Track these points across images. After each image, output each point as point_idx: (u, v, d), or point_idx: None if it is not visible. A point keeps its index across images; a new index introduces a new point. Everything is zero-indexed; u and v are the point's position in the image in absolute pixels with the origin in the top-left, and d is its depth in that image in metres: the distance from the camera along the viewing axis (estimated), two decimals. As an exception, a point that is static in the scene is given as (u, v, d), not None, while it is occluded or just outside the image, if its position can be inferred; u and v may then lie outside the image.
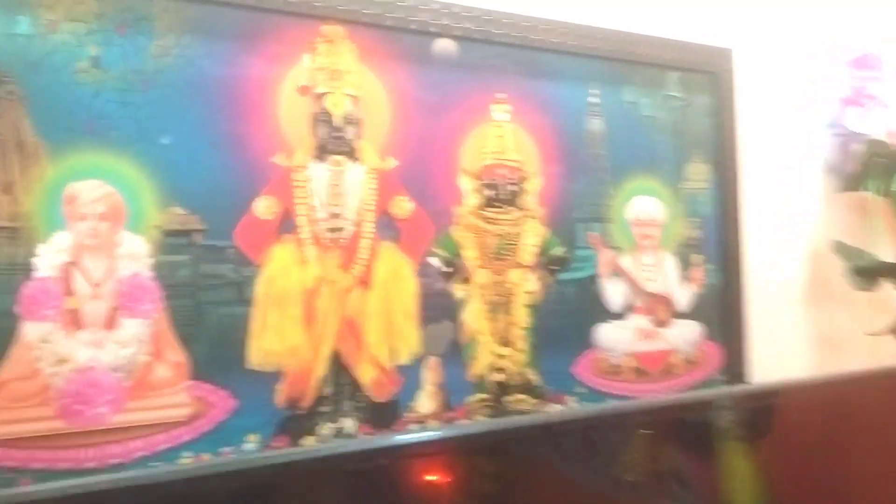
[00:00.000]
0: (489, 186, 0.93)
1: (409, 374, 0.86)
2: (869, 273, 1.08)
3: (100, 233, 0.72)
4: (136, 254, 0.73)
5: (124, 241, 0.73)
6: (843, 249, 1.13)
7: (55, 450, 0.70)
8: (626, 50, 1.02)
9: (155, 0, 0.75)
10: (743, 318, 1.08)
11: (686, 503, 1.00)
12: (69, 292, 0.70)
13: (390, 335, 0.85)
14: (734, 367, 1.08)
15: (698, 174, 1.08)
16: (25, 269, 0.69)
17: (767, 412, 1.06)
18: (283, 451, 0.77)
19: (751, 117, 1.14)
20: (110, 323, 0.72)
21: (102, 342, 0.71)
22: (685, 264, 1.06)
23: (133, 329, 0.72)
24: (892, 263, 1.08)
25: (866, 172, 1.12)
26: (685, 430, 1.01)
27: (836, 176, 1.18)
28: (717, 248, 1.08)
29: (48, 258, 0.70)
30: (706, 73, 1.08)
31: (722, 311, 1.08)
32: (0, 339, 0.68)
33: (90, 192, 0.72)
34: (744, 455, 1.03)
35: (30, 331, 0.69)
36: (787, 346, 1.14)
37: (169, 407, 0.74)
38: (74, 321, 0.70)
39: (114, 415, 0.72)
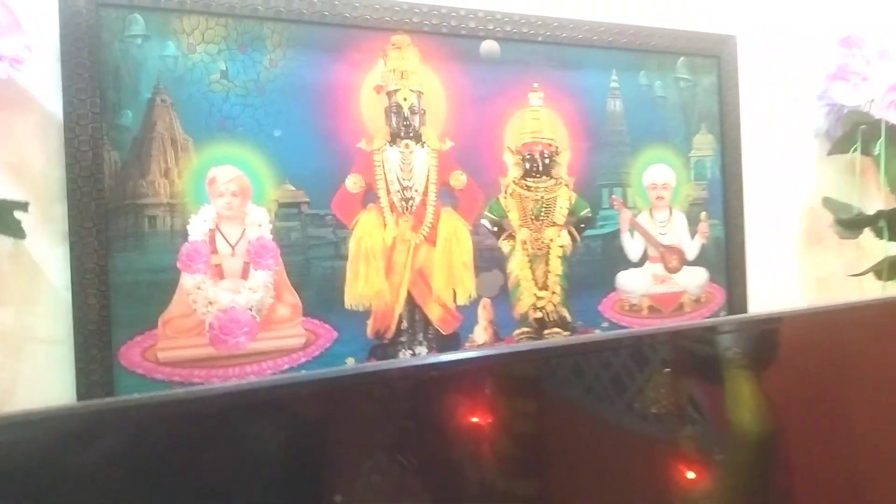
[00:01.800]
0: (528, 160, 1.13)
1: (467, 313, 1.09)
2: (853, 224, 1.27)
3: (233, 206, 0.94)
4: (260, 221, 0.96)
5: (251, 212, 0.95)
6: (831, 204, 1.31)
7: (208, 369, 0.93)
8: (641, 41, 1.20)
9: (266, 23, 0.97)
10: (744, 265, 1.28)
11: (698, 425, 1.20)
12: (214, 251, 0.93)
13: (452, 281, 1.07)
14: (736, 305, 1.28)
15: (705, 144, 1.27)
16: (183, 235, 0.92)
17: (769, 339, 1.25)
18: (371, 364, 1.00)
19: (751, 94, 1.32)
20: (244, 274, 0.95)
21: (239, 289, 0.94)
22: (693, 220, 1.26)
23: (261, 279, 0.95)
24: (872, 215, 1.27)
25: (851, 138, 1.30)
26: (695, 357, 1.21)
27: (826, 141, 1.36)
28: (721, 206, 1.28)
29: (198, 226, 0.93)
30: (712, 58, 1.27)
31: (725, 259, 1.28)
32: (165, 287, 0.91)
33: (225, 175, 0.94)
34: (748, 380, 1.23)
35: (186, 281, 0.92)
36: (782, 286, 1.34)
37: (289, 337, 0.97)
38: (218, 273, 0.93)
39: (249, 343, 0.95)
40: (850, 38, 1.29)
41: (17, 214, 0.83)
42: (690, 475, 1.13)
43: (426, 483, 0.84)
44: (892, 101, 1.23)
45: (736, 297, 1.28)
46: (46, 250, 0.87)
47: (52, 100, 0.86)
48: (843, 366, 1.27)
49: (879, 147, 1.25)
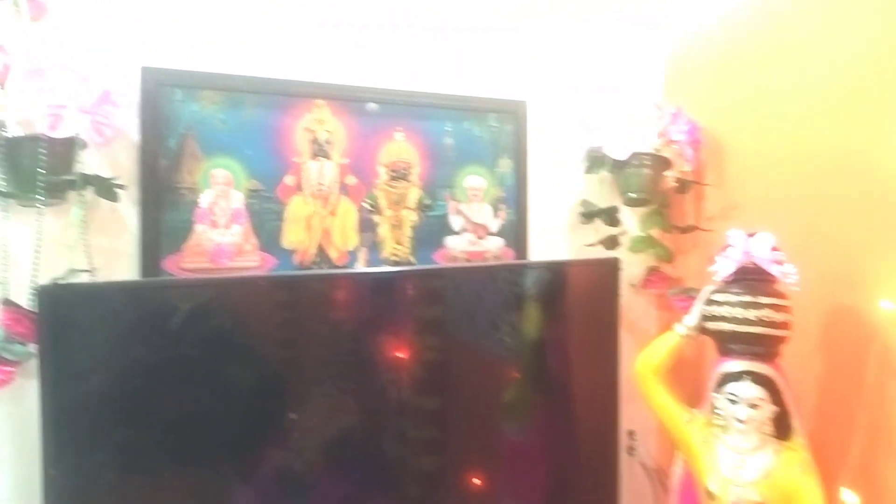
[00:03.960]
0: (392, 171, 1.98)
1: (353, 255, 1.93)
2: (588, 215, 2.15)
3: (224, 191, 1.78)
4: (238, 199, 1.80)
5: (233, 194, 1.79)
6: (584, 203, 2.18)
7: (207, 275, 1.77)
8: (466, 104, 2.06)
9: (245, 94, 1.80)
10: (525, 237, 2.15)
11: (504, 340, 2.02)
12: (212, 213, 1.77)
13: (344, 237, 1.92)
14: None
15: (505, 165, 2.13)
16: (196, 204, 1.76)
17: (551, 282, 2.09)
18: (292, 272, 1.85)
19: (536, 134, 2.17)
20: (227, 226, 1.78)
21: (225, 234, 1.78)
22: (496, 209, 2.11)
23: (237, 229, 1.79)
24: (599, 209, 2.14)
25: (598, 164, 2.16)
26: (502, 290, 2.05)
27: (585, 163, 2.22)
28: (514, 201, 2.14)
29: (204, 200, 1.76)
30: (511, 113, 2.12)
31: (515, 233, 2.14)
32: (186, 230, 1.75)
33: (219, 174, 1.78)
34: (537, 311, 2.07)
35: (197, 228, 1.75)
36: (554, 252, 2.20)
37: (251, 261, 1.81)
38: (214, 225, 1.77)
39: (229, 262, 1.79)
40: (598, 106, 2.15)
41: (116, 190, 1.66)
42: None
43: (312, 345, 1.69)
44: (616, 145, 2.10)
45: (520, 256, 2.15)
46: (129, 209, 1.70)
47: (134, 132, 1.70)
48: (565, 305, 2.13)
49: (606, 170, 2.12)
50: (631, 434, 2.25)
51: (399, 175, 1.99)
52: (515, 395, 1.98)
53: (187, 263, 1.75)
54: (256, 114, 1.81)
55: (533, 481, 2.04)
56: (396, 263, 1.98)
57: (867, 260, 1.69)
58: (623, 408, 2.07)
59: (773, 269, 1.64)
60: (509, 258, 2.14)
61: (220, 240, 1.78)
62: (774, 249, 1.66)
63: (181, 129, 1.73)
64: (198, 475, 1.60)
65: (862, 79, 1.71)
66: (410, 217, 2.00)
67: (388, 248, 1.98)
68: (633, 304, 2.28)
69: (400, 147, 1.99)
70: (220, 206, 1.78)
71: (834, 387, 1.78)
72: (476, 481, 1.92)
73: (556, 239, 2.22)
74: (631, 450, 2.27)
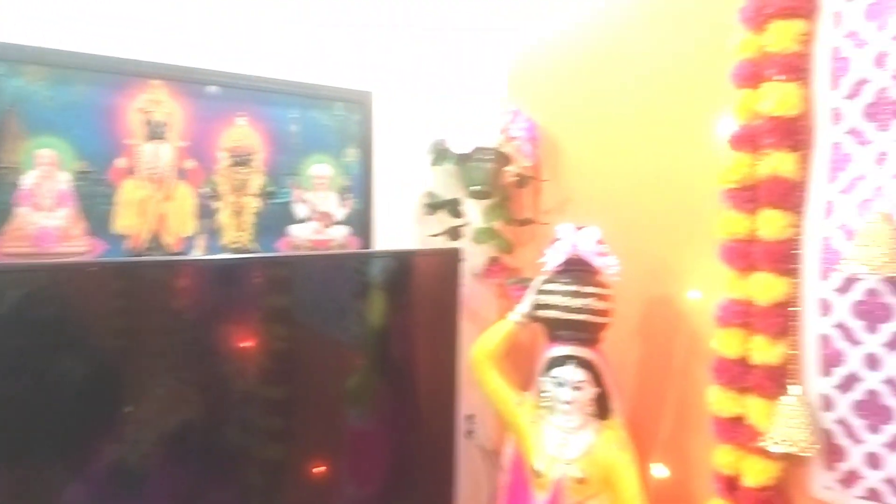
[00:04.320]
0: (235, 156, 1.94)
1: (190, 242, 1.88)
2: (433, 206, 2.21)
3: (49, 172, 1.68)
4: (64, 181, 1.70)
5: (59, 175, 1.70)
6: (429, 195, 2.24)
7: (33, 258, 1.67)
8: (314, 91, 2.05)
9: (75, 70, 1.71)
10: (370, 226, 2.17)
11: (348, 328, 2.03)
12: (36, 195, 1.67)
13: (182, 223, 1.87)
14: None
15: (352, 154, 2.14)
16: (16, 184, 1.65)
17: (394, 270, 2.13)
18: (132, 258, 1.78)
19: (383, 125, 2.20)
20: (54, 208, 1.69)
21: (50, 217, 1.69)
22: (342, 198, 2.13)
23: (63, 211, 1.70)
24: (446, 200, 2.21)
25: (442, 157, 2.22)
26: (347, 279, 2.06)
27: (430, 156, 2.27)
28: (360, 191, 2.16)
29: (27, 180, 1.66)
30: (358, 103, 2.14)
31: (360, 222, 2.16)
32: (5, 212, 1.64)
33: (46, 153, 1.68)
34: (381, 300, 2.10)
35: (19, 210, 1.65)
36: (397, 242, 2.24)
37: (78, 246, 1.73)
38: (37, 206, 1.67)
39: (55, 248, 1.69)
40: (444, 100, 2.21)
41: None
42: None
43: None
44: (460, 139, 2.17)
45: (365, 245, 2.17)
46: (-63, 188, 1.58)
47: (-56, 105, 1.57)
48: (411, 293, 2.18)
49: (451, 163, 2.19)
50: (470, 418, 2.34)
51: (241, 161, 1.95)
52: (359, 382, 2.00)
53: (8, 248, 1.64)
54: (86, 92, 1.72)
55: (375, 466, 2.08)
56: (237, 251, 1.95)
57: (678, 254, 1.85)
58: (463, 393, 2.14)
59: (597, 261, 1.76)
60: (355, 247, 2.16)
61: (45, 223, 1.68)
62: (599, 243, 1.78)
63: (3, 105, 1.62)
64: (25, 472, 1.51)
65: (676, 93, 1.88)
66: (253, 204, 1.97)
67: (229, 236, 1.94)
68: (474, 293, 2.36)
69: (242, 132, 1.95)
70: (44, 187, 1.68)
71: (648, 370, 1.93)
72: (319, 469, 1.93)
73: (401, 229, 2.26)
74: (470, 433, 2.35)
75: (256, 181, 1.98)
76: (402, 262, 2.09)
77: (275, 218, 2.02)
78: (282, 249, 2.03)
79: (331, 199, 2.11)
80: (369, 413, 2.05)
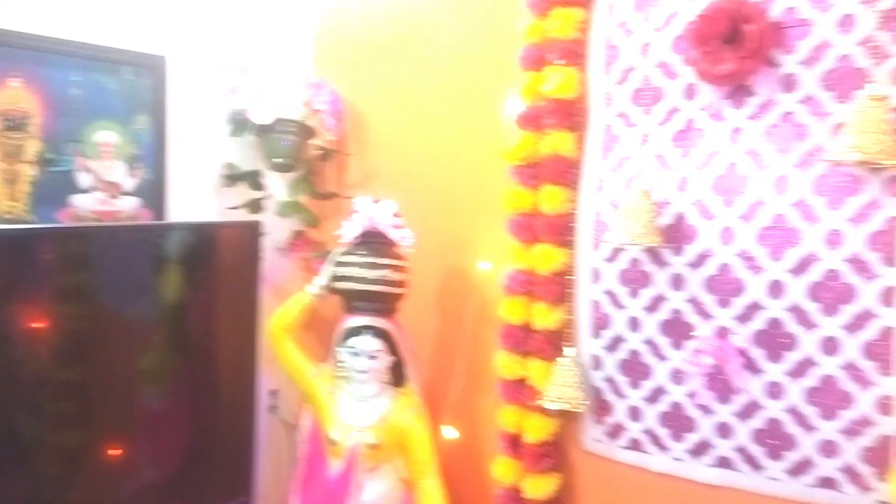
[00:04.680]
0: (8, 120, 1.79)
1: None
2: (231, 178, 2.16)
3: None
4: None
5: None
6: (226, 165, 2.18)
7: None
8: (99, 53, 1.92)
9: None
10: (164, 198, 2.08)
11: (143, 303, 1.93)
12: None
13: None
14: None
15: (142, 121, 2.04)
16: None
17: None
18: None
19: (178, 92, 2.11)
20: None
21: None
22: (131, 167, 2.02)
23: None
24: (246, 172, 2.17)
25: (242, 127, 2.17)
26: (140, 252, 1.95)
27: (229, 126, 2.21)
28: (152, 160, 2.06)
29: None
30: (149, 68, 2.04)
31: (153, 193, 2.07)
32: None
33: None
34: (178, 274, 2.01)
35: None
36: (193, 215, 2.17)
37: None
38: None
39: None
40: (244, 68, 2.16)
41: None
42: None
43: None
44: (260, 110, 2.12)
45: (158, 217, 2.08)
46: None
47: None
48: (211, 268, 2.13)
49: (251, 134, 2.15)
50: (274, 393, 2.32)
51: (14, 125, 1.79)
52: (156, 360, 1.93)
53: None
54: None
55: (174, 446, 2.01)
56: (11, 222, 1.80)
57: (470, 227, 1.94)
58: (267, 368, 2.12)
59: (393, 234, 1.81)
60: (147, 220, 2.06)
61: None
62: (395, 216, 1.82)
63: None
64: None
65: (472, 73, 1.97)
66: (28, 171, 1.82)
67: (1, 205, 1.79)
68: (279, 268, 2.34)
69: (16, 94, 1.79)
70: None
71: (442, 338, 2.02)
72: (115, 452, 1.85)
73: (198, 201, 2.18)
74: (273, 408, 2.33)
75: (32, 147, 1.83)
76: (201, 235, 2.03)
77: (55, 187, 1.88)
78: (63, 220, 1.89)
79: (118, 168, 1.99)
80: (167, 392, 1.98)
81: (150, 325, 1.91)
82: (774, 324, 1.47)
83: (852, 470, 1.40)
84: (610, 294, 1.70)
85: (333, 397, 1.79)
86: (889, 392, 1.36)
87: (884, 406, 1.36)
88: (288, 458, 2.35)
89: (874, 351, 1.37)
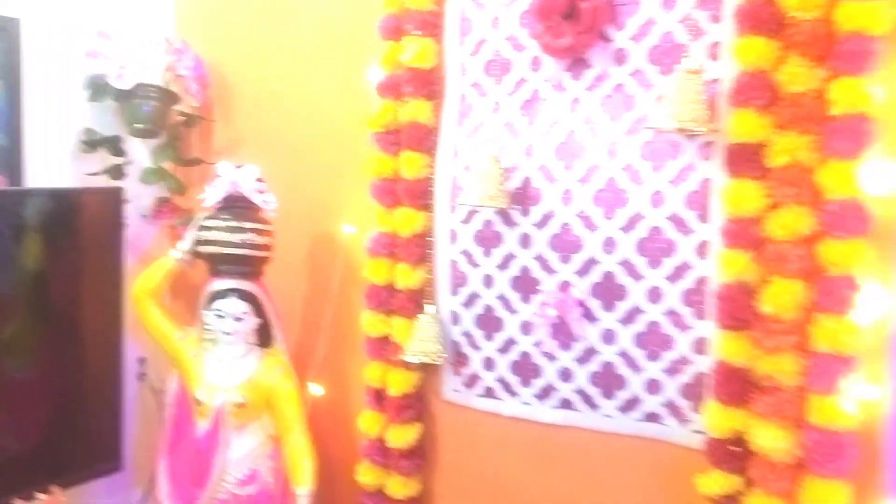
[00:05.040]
0: None
1: None
2: (91, 144, 2.12)
3: None
4: None
5: None
6: (86, 131, 2.14)
7: None
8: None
9: None
10: (22, 164, 2.03)
11: (2, 272, 1.87)
12: None
13: None
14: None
15: (-7, 84, 1.97)
16: None
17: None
18: None
19: (33, 56, 2.04)
20: None
21: None
22: (-20, 133, 1.95)
23: None
24: (106, 137, 2.13)
25: (100, 91, 2.12)
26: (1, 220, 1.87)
27: (88, 91, 2.16)
28: (7, 125, 1.99)
29: None
30: (2, 30, 1.96)
31: (8, 159, 2.00)
32: None
33: None
34: (36, 242, 1.95)
35: None
36: (52, 181, 2.12)
37: None
38: None
39: None
40: (103, 32, 2.11)
41: None
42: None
43: None
44: (120, 74, 2.09)
45: (14, 183, 2.02)
46: None
47: None
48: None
49: (111, 99, 2.11)
50: (142, 361, 2.31)
51: None
52: (18, 330, 1.89)
53: None
54: None
55: (38, 417, 1.98)
56: None
57: (335, 191, 2.01)
58: (135, 337, 2.11)
59: (256, 198, 1.84)
60: (2, 185, 2.00)
61: None
62: (259, 180, 1.86)
63: None
64: None
65: (337, 40, 2.01)
66: None
67: None
68: (145, 234, 2.32)
69: None
70: None
71: (309, 299, 2.09)
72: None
73: (56, 167, 2.13)
74: (142, 376, 2.33)
75: None
76: (60, 202, 1.99)
77: None
78: None
79: (-31, 132, 1.93)
80: (30, 362, 1.94)
81: (11, 295, 1.87)
82: (608, 276, 1.63)
83: (673, 404, 1.58)
84: (466, 254, 1.81)
85: (200, 359, 1.82)
86: (703, 334, 1.54)
87: (699, 346, 1.54)
88: (158, 425, 2.36)
89: (691, 298, 1.55)
